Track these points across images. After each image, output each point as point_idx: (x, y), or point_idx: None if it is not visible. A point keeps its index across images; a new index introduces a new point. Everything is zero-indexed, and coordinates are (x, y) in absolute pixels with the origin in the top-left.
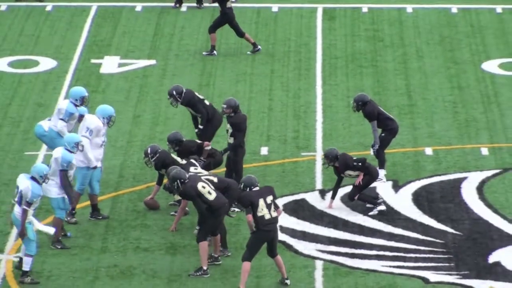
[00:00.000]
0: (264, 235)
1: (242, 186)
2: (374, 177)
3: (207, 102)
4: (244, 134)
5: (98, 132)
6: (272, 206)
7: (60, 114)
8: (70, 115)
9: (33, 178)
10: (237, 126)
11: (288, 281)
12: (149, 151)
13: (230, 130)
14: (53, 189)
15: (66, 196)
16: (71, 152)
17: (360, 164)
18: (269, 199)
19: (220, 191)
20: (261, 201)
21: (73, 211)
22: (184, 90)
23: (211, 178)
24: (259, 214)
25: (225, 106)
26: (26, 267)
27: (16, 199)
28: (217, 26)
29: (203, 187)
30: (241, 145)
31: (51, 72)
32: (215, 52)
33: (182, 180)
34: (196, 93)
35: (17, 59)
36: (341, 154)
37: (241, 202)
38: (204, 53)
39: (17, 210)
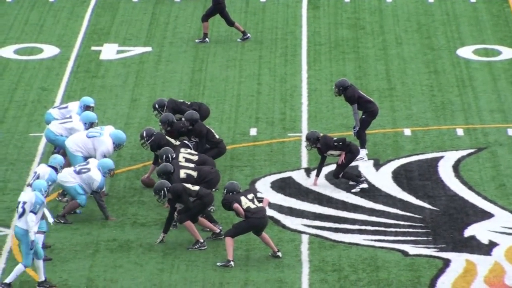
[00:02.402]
0: (256, 222)
1: (225, 191)
2: (355, 154)
3: (188, 102)
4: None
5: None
6: (255, 200)
7: (71, 133)
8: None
9: (51, 167)
10: (201, 133)
11: (279, 253)
12: (144, 134)
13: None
14: (69, 179)
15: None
16: (104, 176)
17: (340, 143)
18: (250, 196)
19: (201, 163)
20: (242, 198)
21: (65, 192)
22: (166, 103)
23: (191, 157)
24: (244, 206)
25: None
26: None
27: (31, 181)
28: (209, 15)
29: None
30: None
31: (54, 59)
32: (207, 39)
33: (166, 188)
34: (175, 99)
35: (22, 46)
36: (322, 136)
37: (225, 205)
38: (196, 40)
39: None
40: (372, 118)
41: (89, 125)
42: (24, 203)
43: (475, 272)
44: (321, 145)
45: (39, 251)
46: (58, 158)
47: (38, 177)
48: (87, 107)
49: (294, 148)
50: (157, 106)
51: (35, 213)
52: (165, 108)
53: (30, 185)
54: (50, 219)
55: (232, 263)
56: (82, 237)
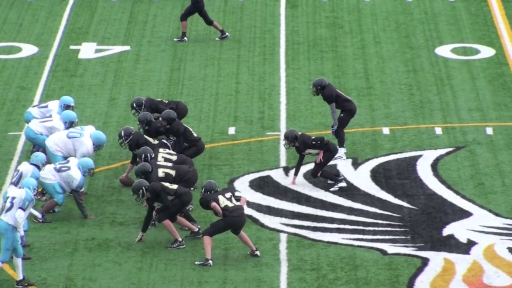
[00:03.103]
0: (233, 220)
1: (203, 190)
2: (333, 153)
3: (165, 101)
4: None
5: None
6: (233, 199)
7: (51, 132)
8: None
9: (33, 165)
10: (178, 132)
11: (258, 252)
12: (123, 133)
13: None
14: (49, 176)
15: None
16: (83, 175)
17: (319, 142)
18: (228, 194)
19: (180, 163)
20: (220, 197)
21: (44, 191)
22: (143, 102)
23: (170, 157)
24: (222, 205)
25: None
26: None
27: (14, 180)
28: (188, 14)
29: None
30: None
31: (32, 58)
32: (185, 38)
33: (145, 187)
34: (153, 98)
35: (1, 45)
36: (300, 134)
37: (202, 204)
38: (175, 39)
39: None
40: (350, 117)
41: (69, 124)
42: (13, 198)
43: (453, 271)
44: (299, 143)
45: (19, 249)
46: (40, 156)
47: (21, 175)
48: (67, 106)
49: (273, 147)
50: (134, 105)
51: (24, 210)
52: (142, 107)
53: (14, 183)
54: (38, 215)
55: (210, 261)
56: (60, 236)
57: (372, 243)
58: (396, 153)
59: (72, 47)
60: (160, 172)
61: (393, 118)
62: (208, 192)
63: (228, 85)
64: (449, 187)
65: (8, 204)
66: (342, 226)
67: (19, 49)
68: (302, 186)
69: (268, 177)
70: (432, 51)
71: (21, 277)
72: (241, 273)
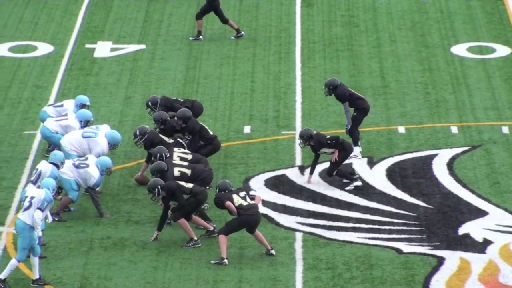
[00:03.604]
0: (248, 219)
1: (217, 189)
2: (348, 152)
3: (181, 100)
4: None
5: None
6: (247, 198)
7: (67, 131)
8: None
9: (52, 163)
10: (193, 130)
11: (273, 251)
12: (138, 132)
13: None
14: (67, 171)
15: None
16: (101, 174)
17: (334, 141)
18: (242, 193)
19: (195, 162)
20: (235, 196)
21: (60, 190)
22: (158, 100)
23: (186, 156)
24: (236, 204)
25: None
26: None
27: (33, 179)
28: (203, 13)
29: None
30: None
31: (48, 57)
32: (201, 37)
33: (160, 186)
34: (168, 96)
35: (17, 44)
36: (315, 133)
37: (217, 203)
38: (190, 38)
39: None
40: (364, 115)
41: (85, 123)
42: (32, 198)
43: (469, 270)
44: (314, 142)
45: (36, 248)
46: (58, 155)
47: (40, 174)
48: (82, 106)
49: (288, 146)
50: (150, 103)
51: (42, 210)
52: (158, 105)
53: (32, 182)
54: (49, 219)
55: (226, 260)
56: (76, 235)
57: (387, 242)
58: (411, 152)
59: (87, 45)
60: (176, 171)
61: (409, 117)
62: (222, 192)
63: (244, 83)
64: (464, 186)
65: (26, 204)
66: (357, 225)
67: (34, 48)
68: (318, 185)
69: (284, 176)
70: (447, 50)
71: (37, 276)
72: (256, 272)
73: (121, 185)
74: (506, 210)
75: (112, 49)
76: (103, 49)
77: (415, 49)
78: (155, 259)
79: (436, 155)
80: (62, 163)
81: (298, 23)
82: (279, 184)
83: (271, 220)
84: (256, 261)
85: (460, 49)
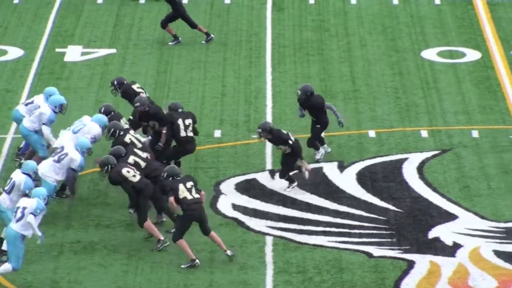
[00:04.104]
0: (190, 215)
1: (165, 175)
2: (297, 155)
3: (144, 95)
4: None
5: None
6: (193, 190)
7: (41, 119)
8: (51, 122)
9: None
10: (158, 115)
11: (228, 252)
12: (115, 82)
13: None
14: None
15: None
16: (82, 155)
17: (295, 143)
18: (189, 184)
19: (150, 165)
20: (181, 186)
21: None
22: (125, 83)
23: (138, 140)
24: (181, 196)
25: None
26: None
27: (6, 188)
28: (168, 20)
29: (128, 171)
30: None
31: (18, 61)
32: (180, 38)
33: (111, 166)
34: (135, 87)
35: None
36: (277, 130)
37: (163, 189)
38: (170, 43)
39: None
40: (324, 129)
41: (59, 107)
42: (24, 208)
43: (439, 273)
44: (273, 137)
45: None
46: (30, 164)
47: (13, 185)
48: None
49: (259, 150)
50: (115, 83)
51: (35, 216)
52: (122, 85)
53: (6, 191)
54: (40, 239)
55: (197, 261)
56: (46, 239)
57: (358, 246)
58: (382, 156)
59: (58, 50)
60: (131, 159)
61: (379, 121)
62: (170, 178)
63: (214, 88)
64: (434, 190)
65: (19, 214)
66: (328, 229)
67: (4, 52)
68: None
69: (254, 180)
70: (418, 54)
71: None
72: (227, 276)
73: (91, 189)
74: (475, 214)
75: (83, 53)
76: (73, 53)
77: (385, 53)
78: (125, 263)
79: (406, 159)
80: (35, 172)
81: (269, 27)
82: (250, 188)
83: (241, 224)
84: (227, 265)
85: (430, 54)
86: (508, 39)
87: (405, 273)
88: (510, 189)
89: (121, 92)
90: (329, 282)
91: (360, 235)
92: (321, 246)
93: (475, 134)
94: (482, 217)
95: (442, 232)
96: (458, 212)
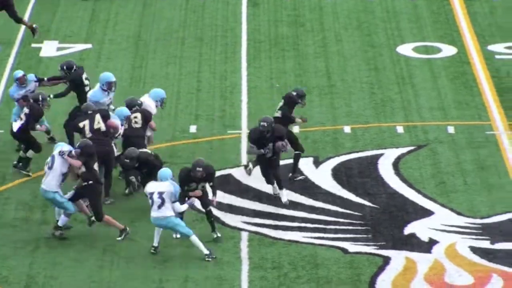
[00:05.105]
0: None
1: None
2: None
3: (87, 89)
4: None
5: None
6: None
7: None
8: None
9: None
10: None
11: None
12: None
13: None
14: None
15: None
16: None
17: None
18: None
19: None
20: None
21: None
22: (75, 68)
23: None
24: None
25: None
26: (61, 223)
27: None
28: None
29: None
30: None
31: None
32: (37, 32)
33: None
34: (85, 78)
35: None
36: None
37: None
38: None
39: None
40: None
41: (107, 85)
42: (161, 193)
43: (415, 270)
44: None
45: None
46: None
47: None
48: (17, 79)
49: (234, 145)
50: (64, 67)
51: (176, 201)
52: (73, 70)
53: (49, 167)
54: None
55: (127, 229)
56: (22, 234)
57: (333, 241)
58: (357, 152)
59: (33, 45)
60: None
61: (355, 117)
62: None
63: (190, 83)
64: (410, 186)
65: (158, 200)
66: (303, 224)
67: None
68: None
69: (230, 175)
70: (393, 50)
71: (206, 252)
72: (202, 272)
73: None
74: (451, 210)
75: (59, 49)
76: (49, 48)
77: (361, 48)
78: (100, 258)
79: (382, 154)
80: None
81: (244, 22)
82: (225, 183)
83: (216, 219)
84: (202, 261)
85: (406, 49)
86: (484, 34)
87: (381, 269)
88: (486, 185)
89: (70, 79)
90: (304, 278)
91: (336, 231)
92: (297, 241)
93: (451, 129)
94: (458, 213)
95: (418, 228)
96: (434, 208)
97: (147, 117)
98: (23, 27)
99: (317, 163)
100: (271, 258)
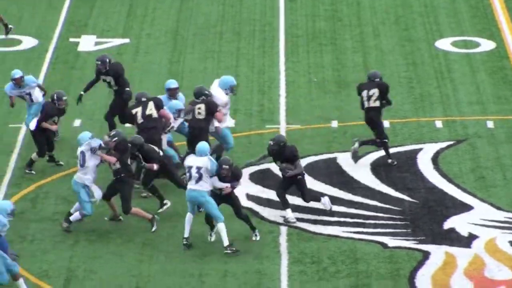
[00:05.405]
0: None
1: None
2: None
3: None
4: None
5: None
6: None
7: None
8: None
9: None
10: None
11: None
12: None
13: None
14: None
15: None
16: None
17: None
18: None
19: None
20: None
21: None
22: (113, 61)
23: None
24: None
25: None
26: (73, 218)
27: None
28: None
29: None
30: None
31: (32, 50)
32: (10, 26)
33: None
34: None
35: (1, 38)
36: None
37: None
38: (3, 36)
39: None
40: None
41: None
42: (199, 168)
43: (455, 264)
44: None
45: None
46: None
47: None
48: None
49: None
50: (106, 60)
51: (211, 176)
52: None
53: (81, 165)
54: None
55: (156, 216)
56: (60, 228)
57: (372, 236)
58: (396, 147)
59: (71, 39)
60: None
61: (393, 112)
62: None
63: None
64: (449, 180)
65: (195, 175)
66: (342, 219)
67: (19, 42)
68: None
69: (268, 170)
70: (432, 44)
71: (226, 243)
72: (241, 266)
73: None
74: (491, 204)
75: (96, 43)
76: (87, 43)
77: (398, 43)
78: (140, 252)
79: (420, 149)
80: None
81: (282, 17)
82: (264, 178)
83: (256, 214)
84: (241, 255)
85: (444, 44)
86: None
87: (421, 263)
88: None
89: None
90: (343, 273)
91: (375, 226)
92: (336, 236)
93: (490, 124)
94: (498, 208)
95: (457, 222)
96: (473, 202)
97: (210, 108)
98: (61, 21)
99: (356, 157)
100: (311, 252)
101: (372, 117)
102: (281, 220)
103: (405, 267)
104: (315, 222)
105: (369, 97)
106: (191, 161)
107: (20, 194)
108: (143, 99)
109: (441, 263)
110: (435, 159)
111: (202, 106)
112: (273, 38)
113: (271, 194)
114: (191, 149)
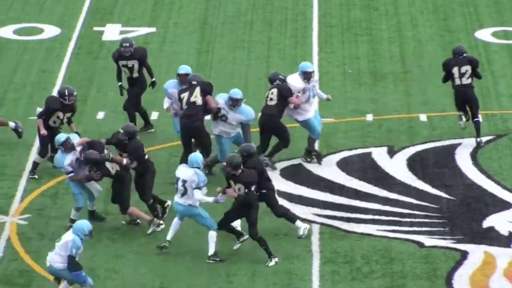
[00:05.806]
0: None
1: None
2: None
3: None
4: None
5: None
6: None
7: None
8: None
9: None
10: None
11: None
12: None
13: None
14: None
15: None
16: None
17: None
18: None
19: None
20: None
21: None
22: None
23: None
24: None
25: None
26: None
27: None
28: None
29: None
30: None
31: (55, 39)
32: None
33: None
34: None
35: (22, 26)
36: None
37: None
38: None
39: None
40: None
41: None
42: (184, 181)
43: (494, 265)
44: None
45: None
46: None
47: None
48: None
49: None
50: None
51: (200, 189)
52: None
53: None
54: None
55: (155, 220)
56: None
57: (408, 235)
58: (434, 141)
59: (95, 28)
60: None
61: (431, 105)
62: None
63: (259, 69)
64: (489, 177)
65: (181, 188)
66: (376, 217)
67: (40, 30)
68: (336, 174)
69: (300, 165)
70: (471, 35)
71: (212, 252)
72: (271, 266)
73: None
74: None
75: (122, 32)
76: (112, 32)
77: (437, 33)
78: (164, 252)
79: (459, 144)
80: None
81: (315, 6)
82: (295, 173)
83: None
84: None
85: (484, 34)
86: None
87: (458, 264)
88: None
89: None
90: (378, 273)
91: (411, 224)
92: (370, 235)
93: None
94: None
95: (497, 221)
96: None
97: (282, 93)
98: (85, 9)
99: (391, 152)
100: (343, 252)
101: (468, 94)
102: (312, 218)
103: (442, 267)
104: (348, 220)
105: (462, 74)
106: (180, 172)
107: (40, 190)
108: (193, 82)
109: (479, 263)
110: (474, 155)
111: (275, 90)
112: (305, 27)
113: (303, 191)
114: (262, 142)
